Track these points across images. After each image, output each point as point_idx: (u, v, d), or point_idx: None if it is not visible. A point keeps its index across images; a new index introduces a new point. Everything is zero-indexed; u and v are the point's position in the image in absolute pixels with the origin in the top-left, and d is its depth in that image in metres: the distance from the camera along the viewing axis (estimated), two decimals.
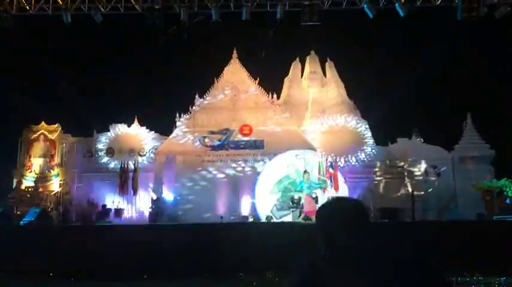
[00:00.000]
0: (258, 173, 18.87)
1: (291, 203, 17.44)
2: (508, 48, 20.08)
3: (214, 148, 19.44)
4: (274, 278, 11.42)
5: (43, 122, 20.40)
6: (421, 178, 19.68)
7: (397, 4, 14.70)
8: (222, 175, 19.23)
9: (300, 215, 16.78)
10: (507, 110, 20.72)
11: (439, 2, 14.80)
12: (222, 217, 17.34)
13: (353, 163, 19.25)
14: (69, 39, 20.87)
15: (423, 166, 19.78)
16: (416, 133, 20.76)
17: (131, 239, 13.63)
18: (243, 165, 19.32)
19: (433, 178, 19.60)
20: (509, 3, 14.63)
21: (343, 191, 17.62)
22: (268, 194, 17.98)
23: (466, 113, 20.27)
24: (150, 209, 17.76)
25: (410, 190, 18.81)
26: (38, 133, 20.16)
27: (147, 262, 12.65)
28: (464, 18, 14.61)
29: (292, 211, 17.23)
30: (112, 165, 19.87)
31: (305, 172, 17.42)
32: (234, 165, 19.33)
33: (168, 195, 18.81)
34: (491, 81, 21.42)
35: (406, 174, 19.77)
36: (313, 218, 15.62)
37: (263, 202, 17.99)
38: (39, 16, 15.28)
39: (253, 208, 18.11)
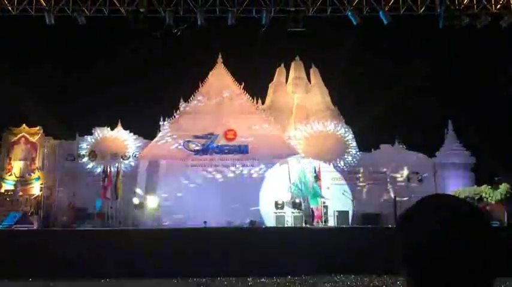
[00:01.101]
0: (242, 178, 18.89)
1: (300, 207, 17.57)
2: (488, 56, 20.49)
3: (198, 152, 19.38)
4: (256, 283, 11.40)
5: (24, 124, 20.07)
6: (403, 184, 19.91)
7: (380, 12, 14.90)
8: (205, 179, 19.16)
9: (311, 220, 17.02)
10: (487, 117, 21.10)
11: (422, 11, 15.04)
12: (205, 222, 17.26)
13: (338, 168, 19.42)
14: (52, 40, 20.62)
15: (405, 172, 20.01)
16: (399, 140, 20.99)
17: (112, 243, 13.50)
18: (227, 169, 19.29)
19: (415, 184, 19.83)
20: (490, 14, 14.94)
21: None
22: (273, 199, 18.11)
23: (448, 120, 20.66)
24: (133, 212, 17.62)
25: (392, 195, 19.03)
26: (19, 136, 19.82)
27: (129, 265, 12.53)
28: (445, 27, 14.88)
29: (298, 212, 17.44)
30: (94, 169, 19.64)
31: (317, 178, 17.60)
32: (218, 169, 19.29)
33: (150, 199, 18.65)
34: (472, 88, 21.80)
35: (388, 180, 19.98)
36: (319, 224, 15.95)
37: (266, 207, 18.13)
38: (21, 17, 15.07)
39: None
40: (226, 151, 19.40)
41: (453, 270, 1.04)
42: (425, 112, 22.45)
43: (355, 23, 15.04)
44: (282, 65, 22.71)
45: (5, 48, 20.19)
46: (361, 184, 19.93)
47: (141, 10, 14.67)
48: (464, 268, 1.04)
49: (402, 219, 1.15)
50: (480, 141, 20.23)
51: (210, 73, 20.35)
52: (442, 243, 1.05)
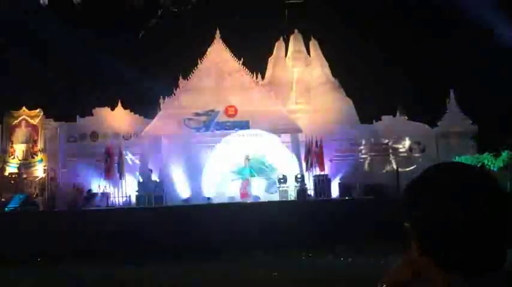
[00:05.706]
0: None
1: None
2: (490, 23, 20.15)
3: (199, 129, 19.35)
4: (261, 257, 11.53)
5: (24, 107, 20.04)
6: (405, 154, 19.90)
7: None
8: (207, 156, 19.15)
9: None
10: (489, 84, 20.90)
11: None
12: (209, 198, 17.39)
13: (338, 142, 19.40)
14: (48, 21, 20.40)
15: (407, 142, 19.99)
16: (401, 110, 20.88)
17: (118, 223, 13.64)
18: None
19: (417, 155, 19.83)
20: None
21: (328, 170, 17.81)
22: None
23: (449, 89, 20.48)
24: (137, 193, 17.71)
25: (395, 166, 19.04)
26: (20, 119, 19.82)
27: (134, 245, 12.67)
28: None
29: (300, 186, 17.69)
30: (97, 149, 19.67)
31: (246, 158, 17.83)
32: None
33: (154, 178, 18.73)
34: (473, 56, 21.52)
35: (390, 151, 19.97)
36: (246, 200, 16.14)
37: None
38: None
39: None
40: (227, 127, 19.34)
41: (469, 239, 0.98)
42: (427, 81, 22.28)
43: None
44: (281, 38, 22.43)
45: (2, 31, 20.02)
46: (363, 156, 19.93)
47: None
48: (480, 235, 0.98)
49: (410, 188, 1.09)
50: (482, 109, 20.10)
51: (209, 49, 20.13)
52: (455, 210, 0.99)
